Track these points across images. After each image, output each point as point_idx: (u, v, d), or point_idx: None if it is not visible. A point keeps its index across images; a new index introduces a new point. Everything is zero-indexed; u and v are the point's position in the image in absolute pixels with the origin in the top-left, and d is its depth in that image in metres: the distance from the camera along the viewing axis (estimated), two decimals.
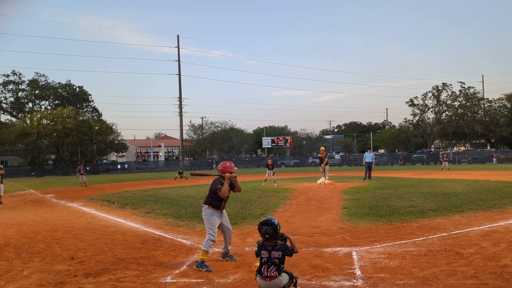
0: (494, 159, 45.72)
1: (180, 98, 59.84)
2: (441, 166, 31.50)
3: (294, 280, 4.17)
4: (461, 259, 5.43)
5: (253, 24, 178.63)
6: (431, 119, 69.03)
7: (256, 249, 4.21)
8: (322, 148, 18.96)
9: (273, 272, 4.01)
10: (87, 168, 24.73)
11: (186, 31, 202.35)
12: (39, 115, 53.02)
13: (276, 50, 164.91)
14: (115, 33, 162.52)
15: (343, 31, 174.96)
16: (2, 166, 15.32)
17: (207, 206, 5.74)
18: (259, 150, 78.47)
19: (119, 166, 55.22)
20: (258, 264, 5.45)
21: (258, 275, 4.10)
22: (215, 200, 5.69)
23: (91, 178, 32.79)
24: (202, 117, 73.21)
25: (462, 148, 76.11)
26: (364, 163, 21.62)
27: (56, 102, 63.47)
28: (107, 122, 62.51)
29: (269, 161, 19.27)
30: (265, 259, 4.06)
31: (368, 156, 21.34)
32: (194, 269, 5.42)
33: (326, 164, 17.70)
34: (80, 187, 22.75)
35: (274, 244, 4.09)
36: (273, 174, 18.70)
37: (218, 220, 5.74)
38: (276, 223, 4.18)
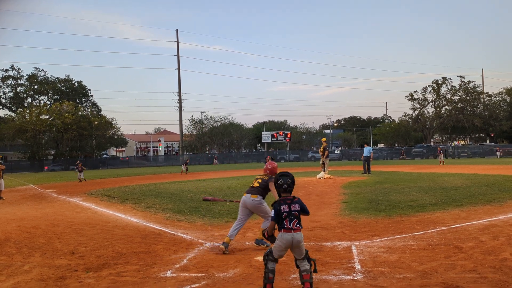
0: (498, 153, 44.99)
1: (179, 92, 59.80)
2: (439, 160, 31.65)
3: (313, 264, 4.13)
4: (460, 253, 5.45)
5: (253, 18, 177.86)
6: (430, 113, 69.04)
7: (272, 212, 4.12)
8: (323, 139, 18.96)
9: (296, 226, 4.05)
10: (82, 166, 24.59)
11: (186, 26, 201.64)
12: (38, 110, 52.88)
13: (276, 44, 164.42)
14: (114, 28, 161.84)
15: (342, 26, 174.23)
16: (2, 162, 15.28)
17: (262, 197, 6.14)
18: (259, 144, 78.49)
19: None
20: (257, 258, 5.48)
21: (281, 230, 4.08)
22: (266, 193, 6.17)
23: (90, 173, 32.82)
24: (201, 112, 73.20)
25: (462, 142, 76.17)
26: (362, 158, 21.58)
27: (55, 97, 63.33)
28: (107, 117, 62.40)
29: (268, 159, 19.63)
30: (286, 213, 4.06)
31: (365, 151, 21.27)
32: (253, 245, 6.23)
33: (327, 157, 17.59)
34: (79, 182, 22.71)
35: (292, 197, 4.16)
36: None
37: None
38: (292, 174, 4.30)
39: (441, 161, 30.81)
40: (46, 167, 48.50)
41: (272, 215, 4.11)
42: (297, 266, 4.14)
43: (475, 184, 13.49)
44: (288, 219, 4.06)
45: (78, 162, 26.07)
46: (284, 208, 4.07)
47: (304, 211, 4.15)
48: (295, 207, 4.10)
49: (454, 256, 5.31)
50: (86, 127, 54.68)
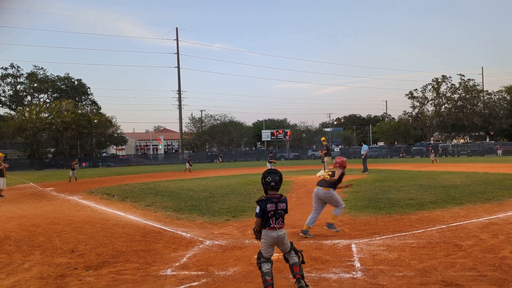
0: (498, 151, 44.87)
1: (179, 91, 59.79)
2: (431, 159, 32.13)
3: (300, 255, 4.20)
4: (460, 251, 5.46)
5: (254, 17, 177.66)
6: (430, 112, 69.01)
7: (257, 209, 4.09)
8: (323, 138, 19.06)
9: (280, 224, 4.11)
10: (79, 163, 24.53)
11: (186, 24, 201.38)
12: (37, 109, 52.81)
13: (276, 43, 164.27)
14: (114, 26, 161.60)
15: (343, 25, 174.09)
16: (1, 160, 15.25)
17: (333, 189, 6.84)
18: (259, 143, 78.46)
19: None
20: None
21: (266, 228, 4.10)
22: (337, 184, 6.91)
23: (90, 172, 32.79)
24: (201, 110, 73.19)
25: (462, 141, 76.18)
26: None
27: (55, 95, 63.25)
28: (106, 115, 62.27)
29: (271, 155, 21.23)
30: (272, 212, 4.08)
31: (362, 149, 21.49)
32: (325, 228, 6.82)
33: (327, 155, 17.54)
34: (68, 182, 21.92)
35: (279, 196, 4.15)
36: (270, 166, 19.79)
37: None
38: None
39: (434, 159, 31.47)
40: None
41: (257, 211, 4.11)
42: (286, 260, 4.20)
43: (474, 182, 13.50)
44: (274, 218, 4.09)
45: (76, 160, 26.03)
46: (271, 207, 4.08)
47: (286, 209, 4.20)
48: (282, 206, 4.12)
49: (454, 254, 5.31)
50: (86, 125, 54.56)
